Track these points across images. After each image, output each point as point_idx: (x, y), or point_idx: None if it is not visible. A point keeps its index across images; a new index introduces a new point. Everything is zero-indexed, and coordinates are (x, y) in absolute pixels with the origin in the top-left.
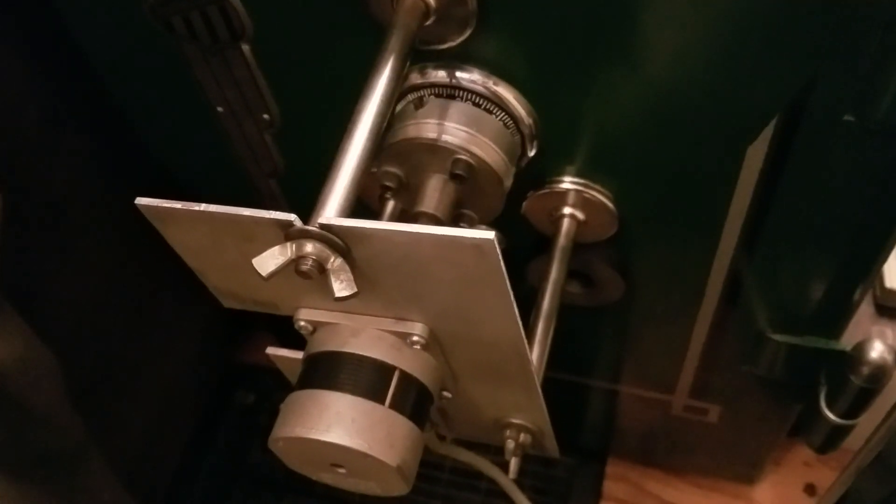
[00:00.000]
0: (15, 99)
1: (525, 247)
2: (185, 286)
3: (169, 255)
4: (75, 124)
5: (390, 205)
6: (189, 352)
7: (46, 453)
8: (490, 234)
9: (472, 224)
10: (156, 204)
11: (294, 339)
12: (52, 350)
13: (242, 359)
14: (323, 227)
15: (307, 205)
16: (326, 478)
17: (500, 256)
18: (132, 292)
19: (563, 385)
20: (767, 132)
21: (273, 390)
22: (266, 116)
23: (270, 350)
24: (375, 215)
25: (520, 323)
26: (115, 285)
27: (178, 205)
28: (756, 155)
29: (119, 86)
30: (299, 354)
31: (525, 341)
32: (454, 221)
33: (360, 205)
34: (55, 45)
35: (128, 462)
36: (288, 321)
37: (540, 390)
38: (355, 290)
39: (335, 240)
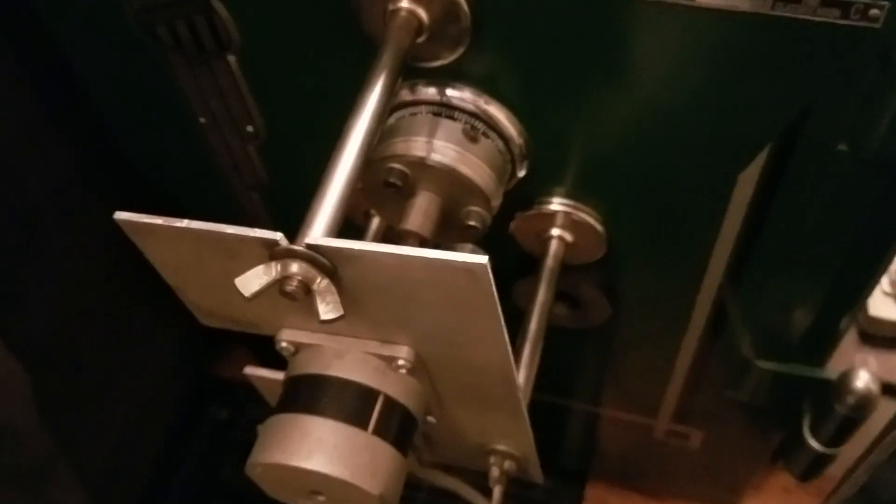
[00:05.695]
0: None
1: (511, 266)
2: (161, 299)
3: (144, 267)
4: (54, 133)
5: (375, 222)
6: (163, 365)
7: (16, 468)
8: (483, 259)
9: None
10: (136, 219)
11: (271, 353)
12: (24, 363)
13: (217, 373)
14: (310, 247)
15: (289, 218)
16: None
17: (493, 281)
18: (106, 304)
19: (545, 406)
20: (759, 160)
21: (248, 405)
22: (250, 128)
23: (249, 370)
24: (359, 231)
25: (509, 348)
26: (89, 297)
27: (158, 220)
28: (747, 182)
29: (101, 94)
30: (279, 375)
31: (514, 367)
32: None
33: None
34: (37, 53)
35: (98, 476)
36: (265, 337)
37: (527, 417)
38: (342, 312)
39: (322, 260)
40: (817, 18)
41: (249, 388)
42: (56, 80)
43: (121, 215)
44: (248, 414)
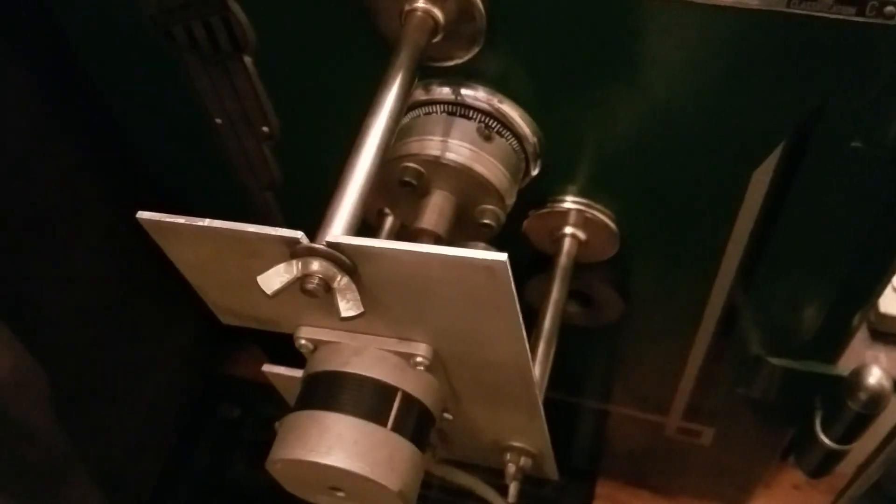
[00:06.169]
0: (4, 106)
1: (524, 265)
2: (171, 298)
3: (153, 266)
4: (66, 133)
5: (389, 220)
6: (173, 364)
7: (29, 466)
8: (502, 256)
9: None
10: (158, 218)
11: (282, 352)
12: (38, 362)
13: (228, 371)
14: (331, 245)
15: (302, 217)
16: (324, 501)
17: (511, 279)
18: (116, 304)
19: (556, 404)
20: (774, 156)
21: (257, 404)
22: (265, 129)
23: (266, 367)
24: (372, 230)
25: (527, 346)
26: (99, 297)
27: (180, 220)
28: (761, 179)
29: (114, 94)
30: (297, 373)
31: (531, 364)
32: None
33: None
34: (49, 52)
35: (110, 474)
36: (276, 334)
37: (542, 413)
38: (362, 309)
39: (342, 258)
40: (833, 16)
41: (259, 387)
42: (65, 79)
43: (143, 215)
44: (258, 413)
